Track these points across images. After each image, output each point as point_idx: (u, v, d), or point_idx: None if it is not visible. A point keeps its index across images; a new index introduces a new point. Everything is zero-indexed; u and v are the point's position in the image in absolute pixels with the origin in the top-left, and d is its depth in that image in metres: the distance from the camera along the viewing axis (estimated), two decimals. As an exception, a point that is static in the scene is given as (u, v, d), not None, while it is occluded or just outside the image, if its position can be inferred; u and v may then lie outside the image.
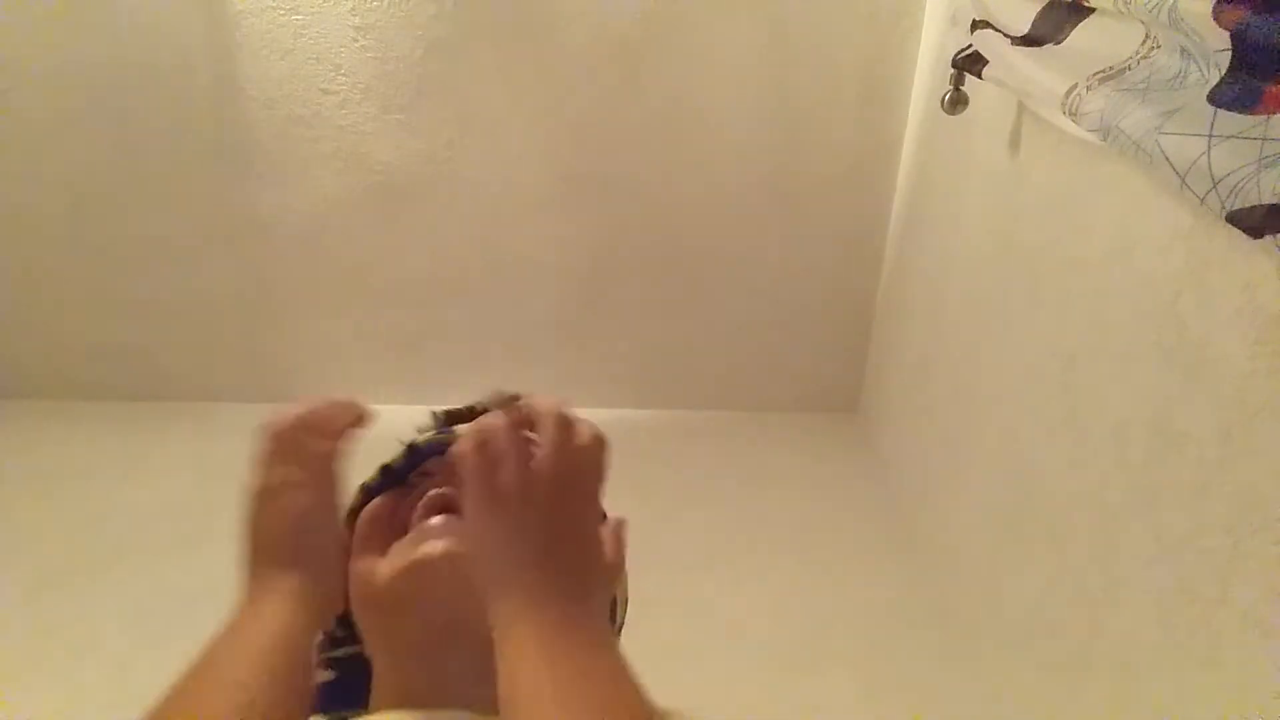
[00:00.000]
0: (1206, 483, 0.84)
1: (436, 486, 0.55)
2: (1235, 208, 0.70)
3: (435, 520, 0.53)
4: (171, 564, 1.72)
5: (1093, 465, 1.07)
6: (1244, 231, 0.70)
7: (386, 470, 0.57)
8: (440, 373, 2.24)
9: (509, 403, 0.64)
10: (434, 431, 0.58)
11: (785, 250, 2.08)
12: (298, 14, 1.83)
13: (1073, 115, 0.96)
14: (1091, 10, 0.97)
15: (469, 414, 0.62)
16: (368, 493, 0.57)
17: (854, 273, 2.11)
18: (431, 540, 0.51)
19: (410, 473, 0.57)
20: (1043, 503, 1.21)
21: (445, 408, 0.63)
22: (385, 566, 0.52)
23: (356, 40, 1.85)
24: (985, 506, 1.43)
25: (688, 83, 1.89)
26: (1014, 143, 1.34)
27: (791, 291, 2.13)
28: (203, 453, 2.09)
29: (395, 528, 0.55)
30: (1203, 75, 0.77)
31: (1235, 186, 0.69)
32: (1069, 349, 1.14)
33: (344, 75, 1.89)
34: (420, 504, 0.55)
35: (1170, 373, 0.91)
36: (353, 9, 1.82)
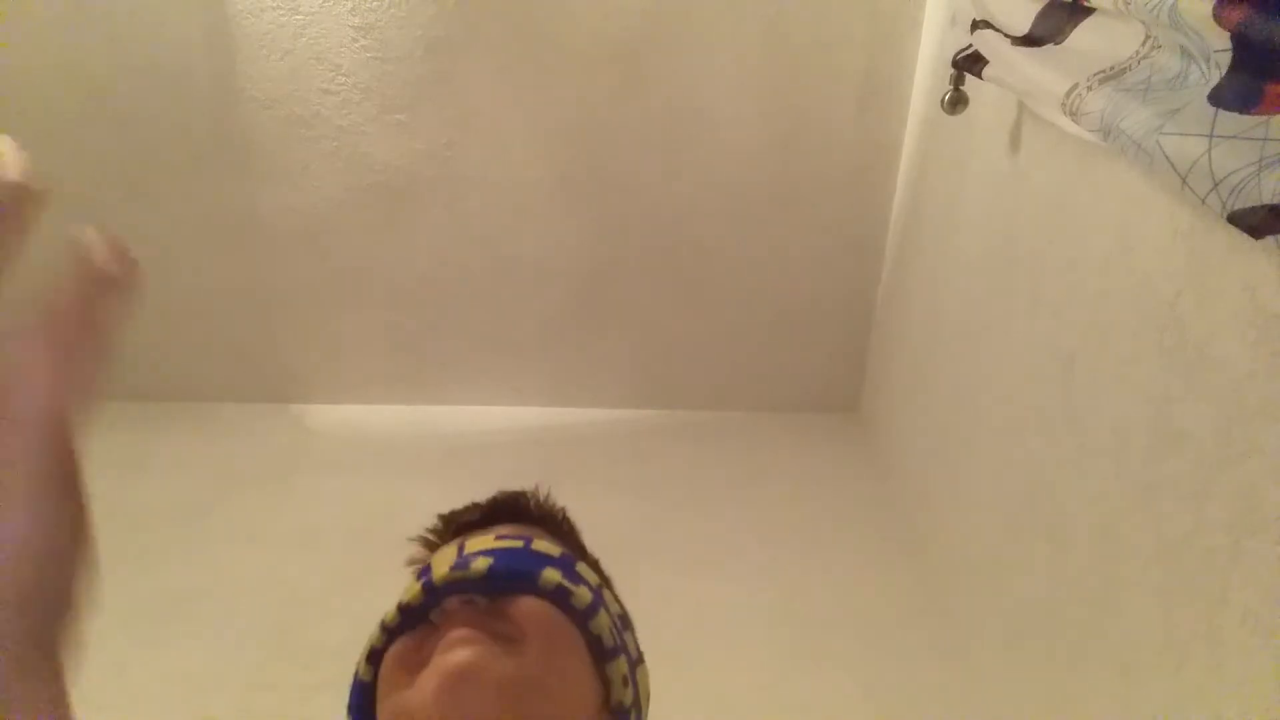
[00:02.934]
0: (1206, 483, 0.84)
1: (459, 625, 0.53)
2: (1236, 208, 0.70)
3: (456, 633, 0.52)
4: (171, 564, 1.72)
5: (1093, 465, 1.07)
6: (1245, 231, 0.70)
7: (405, 609, 0.55)
8: (440, 373, 2.24)
9: (518, 500, 0.65)
10: (454, 563, 0.57)
11: (785, 250, 2.08)
12: (298, 14, 1.83)
13: (1073, 115, 0.96)
14: (1092, 10, 0.97)
15: (478, 517, 0.63)
16: (388, 632, 0.56)
17: (854, 273, 2.11)
18: (457, 650, 0.50)
19: (430, 611, 0.56)
20: (1043, 503, 1.21)
21: (450, 511, 0.64)
22: (416, 695, 0.50)
23: (356, 40, 1.86)
24: (985, 506, 1.43)
25: (688, 83, 1.89)
26: (1014, 143, 1.34)
27: (792, 292, 2.14)
28: (203, 453, 2.09)
29: (421, 664, 0.53)
30: (1203, 75, 0.77)
31: (1236, 186, 0.69)
32: (1069, 349, 1.14)
33: (344, 75, 1.89)
34: (442, 644, 0.53)
35: (1170, 373, 0.91)
36: (353, 9, 1.82)
